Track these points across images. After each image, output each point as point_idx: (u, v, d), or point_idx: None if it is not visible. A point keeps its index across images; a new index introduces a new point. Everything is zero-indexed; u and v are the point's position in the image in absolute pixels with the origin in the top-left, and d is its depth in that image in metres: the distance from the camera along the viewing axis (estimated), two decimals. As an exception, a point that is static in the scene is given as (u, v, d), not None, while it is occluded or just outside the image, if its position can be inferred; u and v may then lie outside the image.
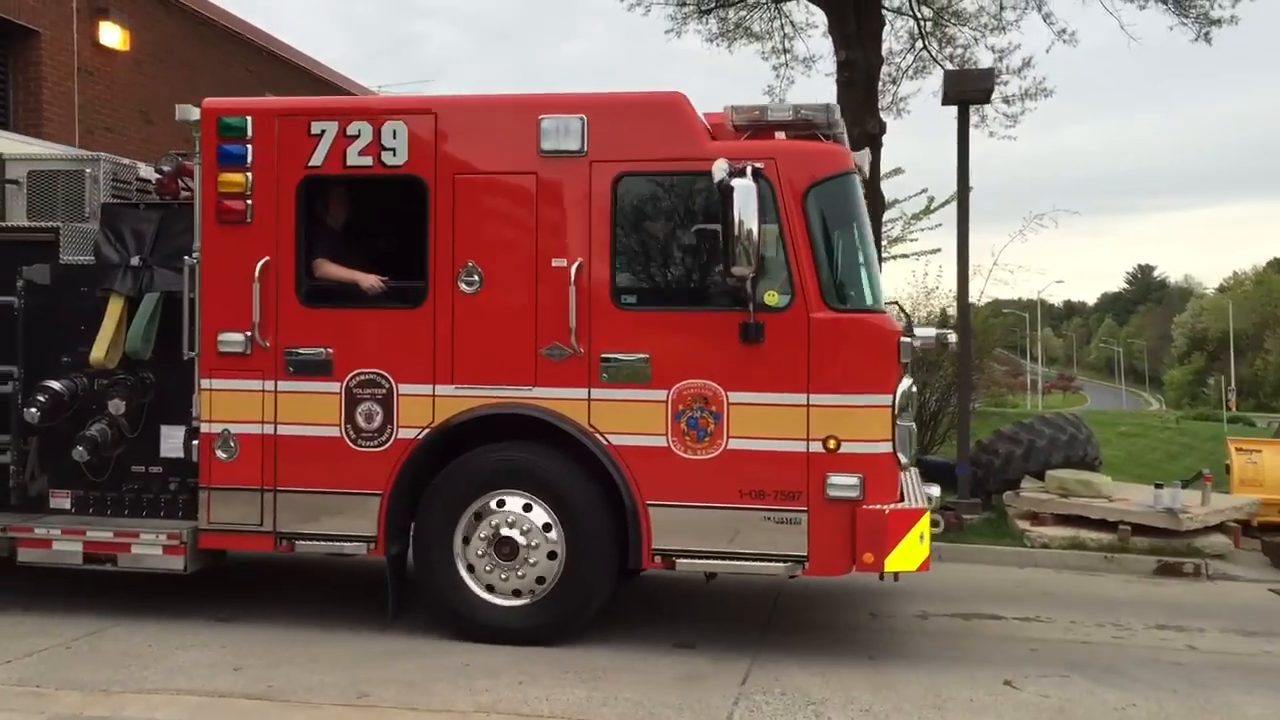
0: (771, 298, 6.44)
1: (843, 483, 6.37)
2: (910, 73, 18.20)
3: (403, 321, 6.82)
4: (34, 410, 7.01)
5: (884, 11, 15.88)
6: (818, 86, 33.49)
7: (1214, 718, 5.85)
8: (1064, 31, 16.66)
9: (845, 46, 14.39)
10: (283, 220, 6.89)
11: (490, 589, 6.71)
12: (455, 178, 6.73)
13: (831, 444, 6.39)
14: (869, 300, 6.76)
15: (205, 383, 6.97)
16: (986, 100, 13.13)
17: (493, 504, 6.71)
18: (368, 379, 6.80)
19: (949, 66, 16.96)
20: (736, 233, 6.20)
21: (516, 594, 6.70)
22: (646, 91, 6.75)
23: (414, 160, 6.78)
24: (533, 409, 6.65)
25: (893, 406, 6.48)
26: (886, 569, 6.38)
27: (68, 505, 7.30)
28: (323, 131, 6.86)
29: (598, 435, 6.57)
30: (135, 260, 7.20)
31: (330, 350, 6.83)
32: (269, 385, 6.91)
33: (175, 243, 7.18)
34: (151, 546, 6.99)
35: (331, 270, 6.99)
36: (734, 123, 6.75)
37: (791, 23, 18.18)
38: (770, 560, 6.48)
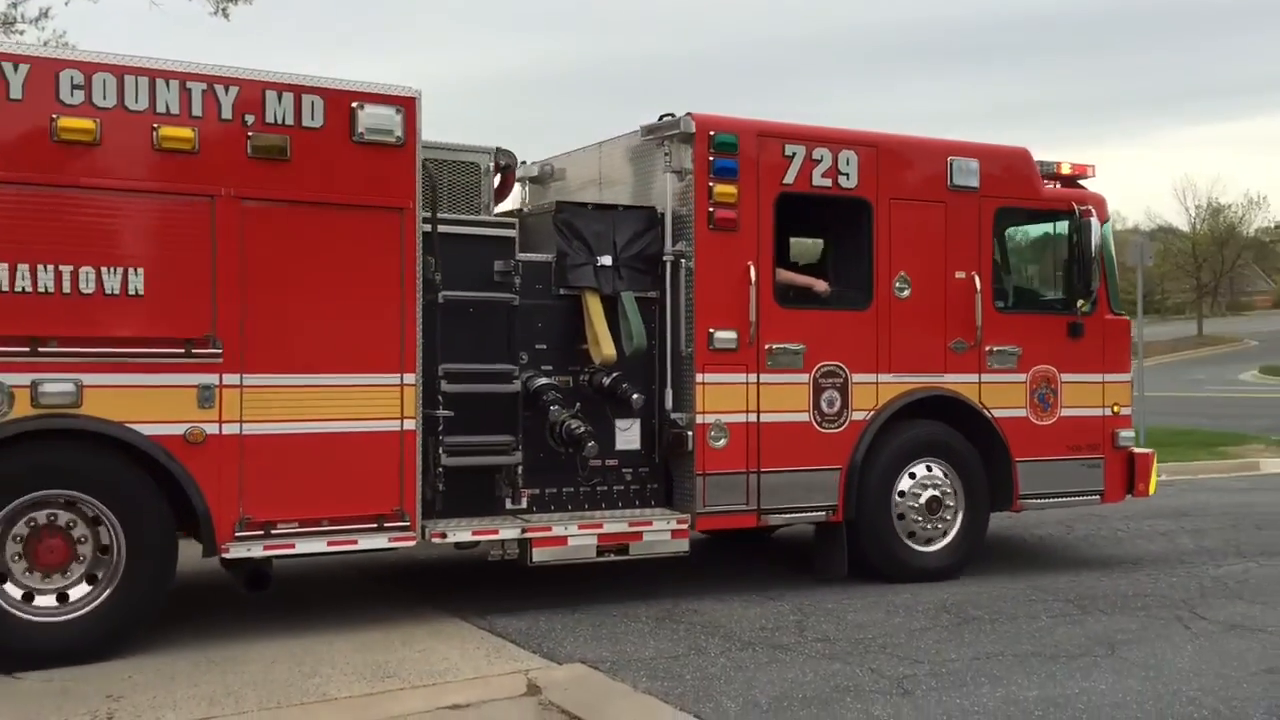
0: (1084, 306, 8.84)
1: (1126, 435, 9.01)
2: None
3: (853, 321, 8.01)
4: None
5: None
6: None
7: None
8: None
9: None
10: (763, 230, 7.68)
11: (911, 536, 8.23)
12: (891, 201, 8.10)
13: (1115, 409, 8.99)
14: (1118, 307, 9.40)
15: (699, 377, 7.50)
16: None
17: (919, 470, 8.23)
18: (830, 370, 7.90)
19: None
20: (1089, 257, 8.54)
21: (929, 542, 8.30)
22: (1014, 145, 8.70)
23: (862, 184, 8.00)
24: (944, 391, 8.31)
25: (1132, 381, 9.26)
26: (1149, 493, 9.15)
27: (524, 504, 7.25)
28: (794, 154, 7.78)
29: (986, 410, 8.44)
30: (606, 260, 7.39)
31: (803, 346, 7.80)
32: (751, 378, 7.66)
33: (636, 244, 7.50)
34: (662, 533, 7.38)
35: (788, 275, 7.91)
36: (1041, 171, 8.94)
37: None
38: (1082, 495, 8.89)
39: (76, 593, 6.01)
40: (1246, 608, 7.53)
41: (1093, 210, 8.71)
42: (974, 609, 7.40)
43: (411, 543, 6.72)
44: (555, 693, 5.63)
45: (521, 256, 7.24)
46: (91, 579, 6.05)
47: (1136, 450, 9.08)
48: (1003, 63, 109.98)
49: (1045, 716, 5.30)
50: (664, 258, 7.53)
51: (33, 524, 5.92)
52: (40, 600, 5.95)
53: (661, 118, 7.64)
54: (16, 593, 5.90)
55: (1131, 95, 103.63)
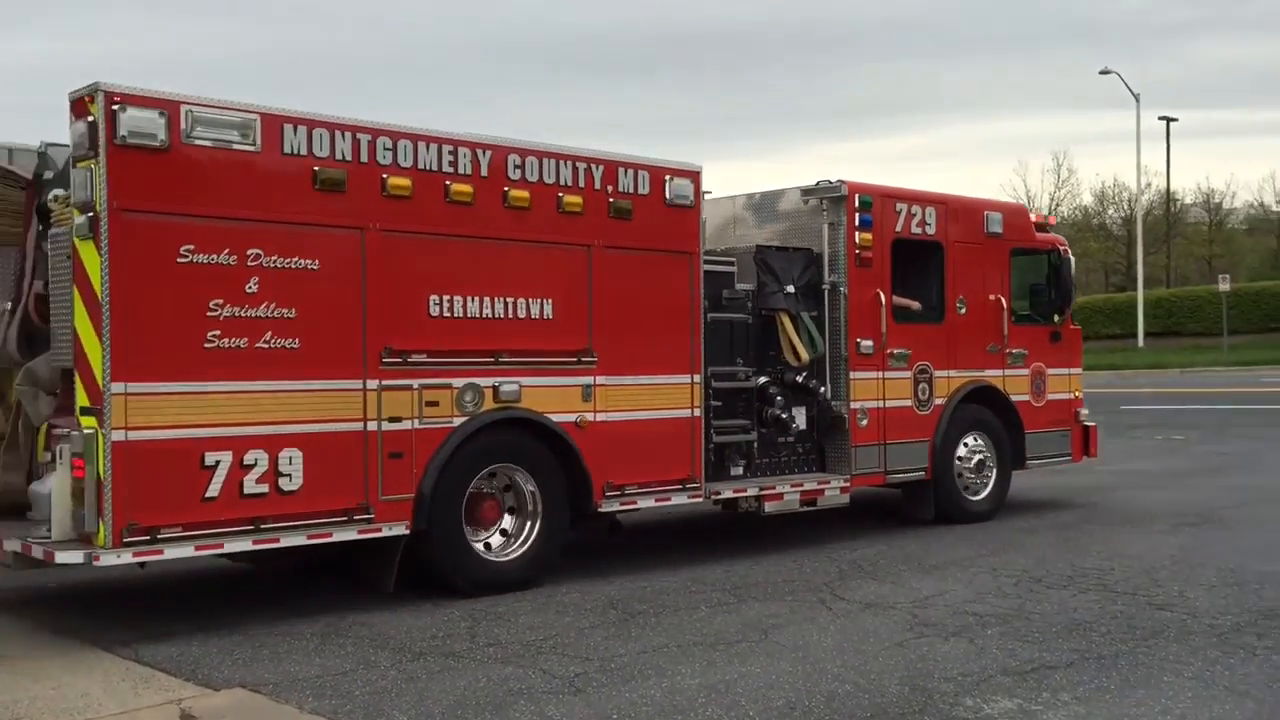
0: (1059, 319, 12.18)
1: (1085, 414, 12.43)
2: None
3: (934, 331, 10.95)
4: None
5: None
6: None
7: None
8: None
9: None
10: (886, 265, 10.49)
11: (966, 489, 11.25)
12: (952, 243, 11.10)
13: (1076, 394, 12.39)
14: (1074, 320, 12.78)
15: (852, 374, 10.22)
16: None
17: (970, 440, 11.26)
18: (922, 368, 10.81)
19: None
20: (1067, 283, 11.91)
21: (976, 494, 11.34)
22: (1016, 203, 11.89)
23: (938, 232, 10.97)
24: (985, 383, 11.39)
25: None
26: (1095, 455, 12.59)
27: (741, 471, 9.74)
28: (901, 210, 10.65)
29: (1011, 396, 11.59)
30: (790, 288, 9.98)
31: (908, 350, 10.67)
32: (881, 375, 10.46)
33: (804, 276, 10.14)
34: (835, 489, 10.06)
35: (898, 299, 10.72)
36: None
37: None
38: (1061, 457, 12.21)
39: (510, 539, 8.12)
40: (879, 587, 8.23)
41: (1068, 248, 12.09)
42: (639, 604, 7.70)
43: (700, 499, 9.10)
44: (213, 721, 5.35)
45: (740, 286, 9.74)
46: (518, 527, 8.15)
47: (1088, 424, 12.53)
48: (669, 75, 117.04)
49: (707, 703, 5.61)
50: (823, 286, 10.22)
51: (481, 489, 7.98)
52: (495, 542, 8.04)
53: (819, 183, 10.34)
54: (483, 539, 7.96)
55: (777, 111, 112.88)
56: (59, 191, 7.20)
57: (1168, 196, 65.59)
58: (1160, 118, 61.32)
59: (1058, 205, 68.29)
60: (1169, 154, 62.36)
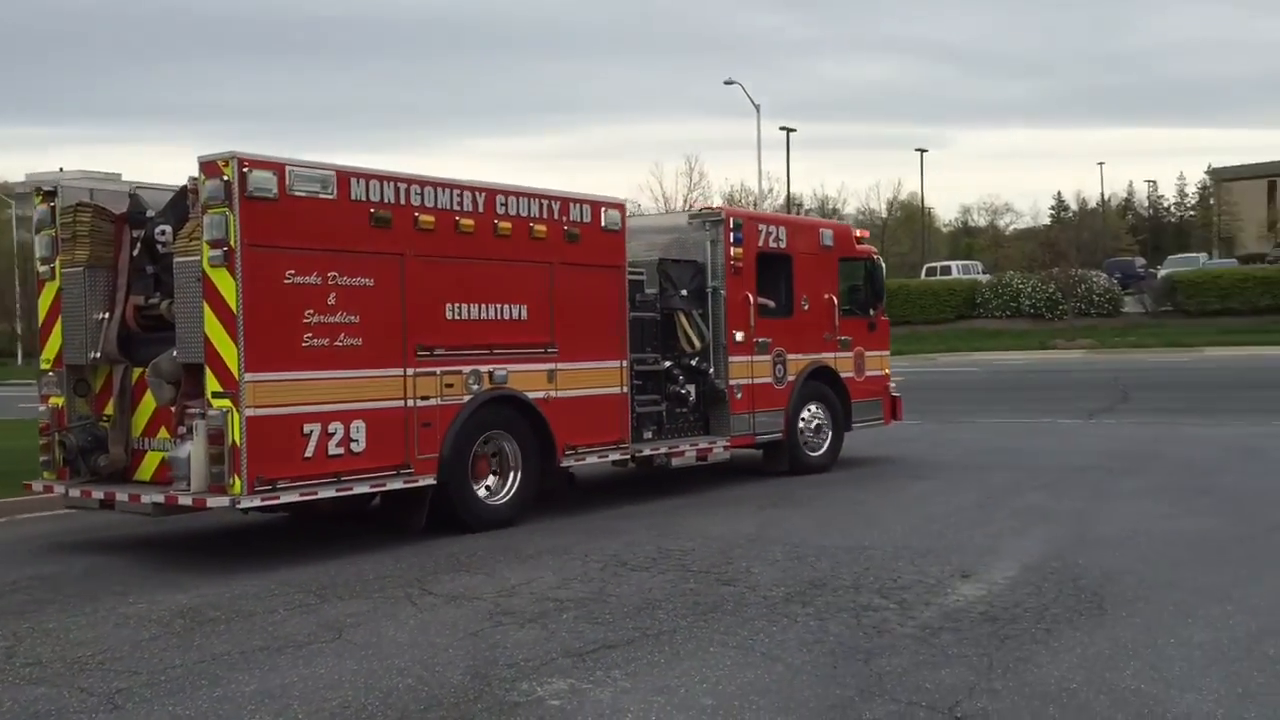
0: (872, 312, 15.44)
1: (894, 386, 15.76)
2: None
3: (786, 323, 13.95)
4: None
5: None
6: None
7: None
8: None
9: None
10: (751, 273, 13.43)
11: (806, 445, 14.32)
12: (799, 255, 14.15)
13: (888, 370, 15.71)
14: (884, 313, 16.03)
15: (730, 359, 13.11)
16: None
17: (810, 409, 14.34)
18: (779, 352, 13.81)
19: None
20: (879, 284, 15.21)
21: (815, 450, 14.43)
22: (843, 222, 15.04)
23: (788, 246, 13.99)
24: (823, 363, 14.50)
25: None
26: (902, 419, 15.93)
27: (652, 435, 12.49)
28: (762, 229, 13.61)
29: (840, 374, 14.75)
30: (684, 292, 12.79)
31: (769, 339, 13.64)
32: (748, 358, 13.39)
33: (694, 283, 12.96)
34: (720, 448, 12.95)
35: (760, 299, 13.66)
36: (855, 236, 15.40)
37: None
38: (876, 421, 15.48)
39: (501, 487, 10.62)
40: (470, 579, 8.27)
41: (880, 256, 15.39)
42: (213, 611, 7.48)
43: (628, 457, 11.80)
44: None
45: (648, 290, 12.47)
46: (504, 479, 10.66)
47: (895, 395, 15.86)
48: (331, 59, 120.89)
49: (257, 709, 5.47)
50: (707, 290, 13.07)
51: (478, 451, 10.46)
52: (482, 491, 10.53)
53: (703, 210, 13.21)
54: (482, 487, 10.43)
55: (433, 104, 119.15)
56: (167, 227, 9.32)
57: (788, 201, 71.17)
58: (781, 128, 65.91)
59: (691, 205, 74.27)
60: (789, 161, 68.26)
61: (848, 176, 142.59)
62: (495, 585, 8.09)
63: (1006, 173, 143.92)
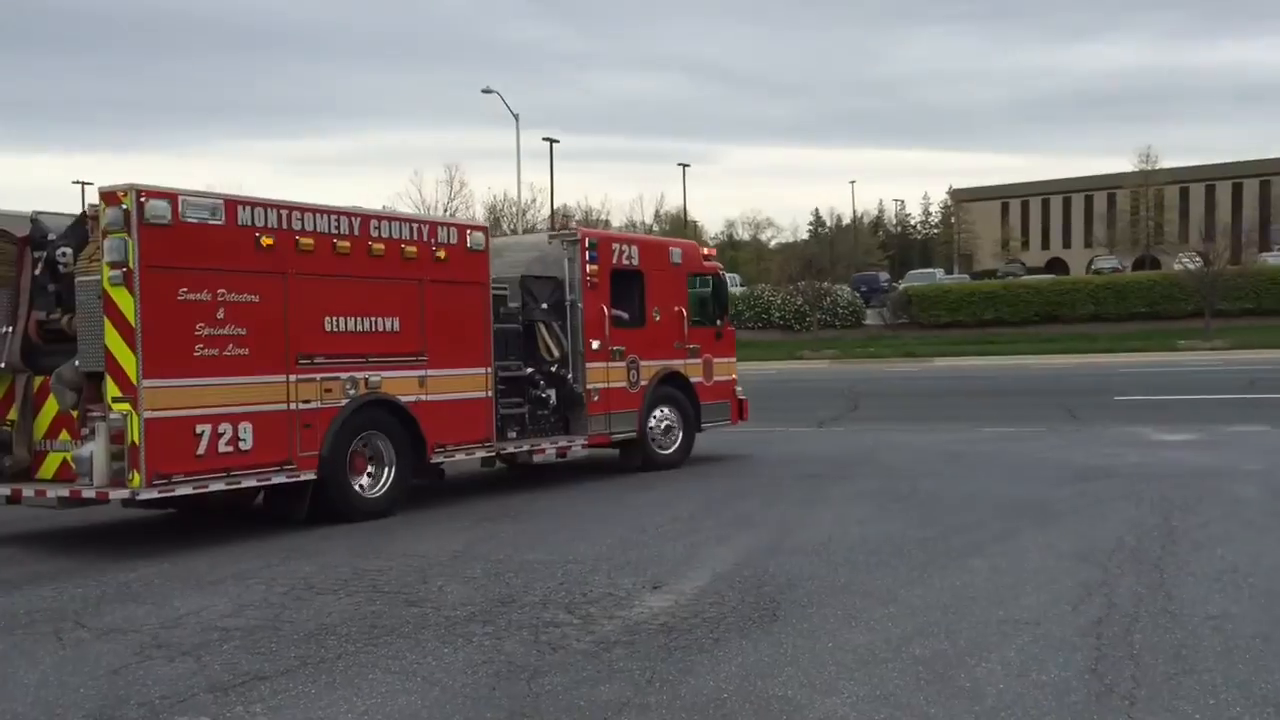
0: (720, 322, 16.96)
1: (739, 389, 17.30)
2: None
3: (639, 333, 15.36)
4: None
5: None
6: None
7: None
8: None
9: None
10: (605, 288, 14.80)
11: (656, 444, 15.74)
12: (650, 271, 15.58)
13: (734, 375, 17.25)
14: (730, 322, 17.55)
15: (587, 365, 14.46)
16: None
17: (660, 411, 15.76)
18: (632, 359, 15.21)
19: None
20: (724, 297, 16.76)
21: (664, 449, 15.86)
22: (691, 241, 16.51)
23: (640, 263, 15.41)
24: (674, 369, 15.95)
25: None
26: (748, 419, 17.48)
27: (516, 435, 13.77)
28: (616, 248, 15.02)
29: (690, 379, 16.21)
30: (544, 305, 14.10)
31: (623, 348, 15.04)
32: (604, 365, 14.76)
33: (554, 296, 14.29)
34: (578, 447, 14.30)
35: (614, 311, 15.05)
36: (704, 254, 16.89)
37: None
38: (724, 422, 16.98)
39: (377, 481, 11.79)
40: (135, 609, 7.73)
41: (724, 271, 16.94)
42: None
43: (494, 455, 13.07)
44: None
45: (510, 305, 13.75)
46: (379, 474, 11.82)
47: (742, 398, 17.41)
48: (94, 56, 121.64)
49: None
50: (566, 303, 14.41)
51: (355, 449, 11.62)
52: (359, 485, 11.68)
53: (562, 230, 14.56)
54: (359, 482, 11.58)
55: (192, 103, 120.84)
56: (67, 249, 10.32)
57: (552, 212, 73.17)
58: (544, 139, 67.36)
59: (453, 215, 75.35)
60: (552, 172, 70.66)
61: (613, 189, 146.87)
62: (161, 615, 7.57)
63: (769, 188, 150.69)
